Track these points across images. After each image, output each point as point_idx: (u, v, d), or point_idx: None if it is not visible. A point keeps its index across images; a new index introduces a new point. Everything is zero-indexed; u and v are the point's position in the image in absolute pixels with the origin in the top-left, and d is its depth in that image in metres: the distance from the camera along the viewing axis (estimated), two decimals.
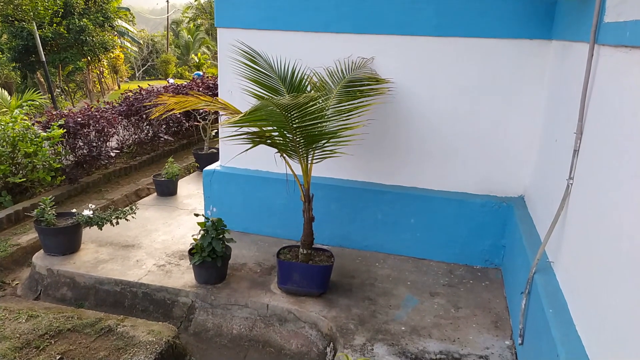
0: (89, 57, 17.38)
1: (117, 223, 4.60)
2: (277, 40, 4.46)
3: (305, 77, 4.08)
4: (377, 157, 4.57)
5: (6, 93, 11.96)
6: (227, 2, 4.60)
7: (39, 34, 13.35)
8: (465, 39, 4.11)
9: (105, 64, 20.97)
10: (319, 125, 3.50)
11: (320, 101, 3.57)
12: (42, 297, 4.25)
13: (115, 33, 19.33)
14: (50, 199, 4.56)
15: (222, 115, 4.41)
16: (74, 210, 4.72)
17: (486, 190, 4.41)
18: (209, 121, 7.57)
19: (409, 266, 4.45)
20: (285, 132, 3.45)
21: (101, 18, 16.62)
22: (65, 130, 6.16)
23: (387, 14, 4.20)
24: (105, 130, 6.92)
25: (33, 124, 6.14)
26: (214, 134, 7.80)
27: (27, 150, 5.61)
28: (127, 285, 4.10)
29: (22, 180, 5.66)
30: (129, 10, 23.25)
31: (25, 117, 6.15)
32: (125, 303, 4.07)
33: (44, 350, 3.16)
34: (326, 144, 3.67)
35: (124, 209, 4.68)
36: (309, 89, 4.11)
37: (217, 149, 6.36)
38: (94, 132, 6.77)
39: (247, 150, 3.57)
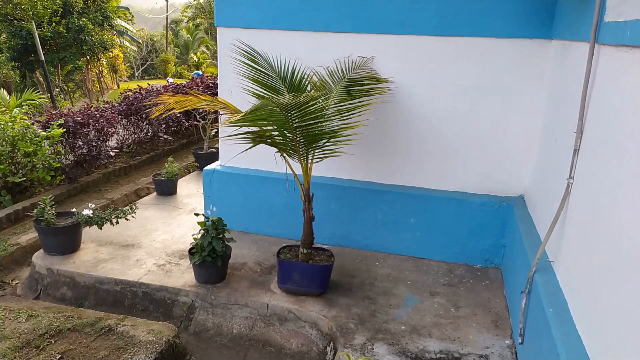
0: (88, 57, 17.36)
1: (117, 222, 4.60)
2: (277, 40, 4.46)
3: (306, 77, 4.08)
4: (377, 156, 4.57)
5: (5, 92, 11.96)
6: (227, 1, 4.60)
7: (38, 33, 13.34)
8: (465, 38, 4.11)
9: (104, 63, 20.94)
10: (319, 124, 3.50)
11: (321, 100, 3.57)
12: (42, 296, 4.24)
13: (115, 32, 19.31)
14: (50, 198, 4.56)
15: (222, 114, 4.41)
16: (73, 209, 4.71)
17: (486, 190, 4.42)
18: (208, 120, 7.57)
19: (409, 266, 4.45)
20: (285, 131, 3.45)
21: (100, 17, 16.60)
22: (64, 129, 6.15)
23: (387, 14, 4.20)
24: (105, 129, 6.92)
25: (32, 124, 6.13)
26: (213, 133, 7.80)
27: (27, 149, 5.61)
28: (127, 285, 4.10)
29: (22, 179, 5.65)
30: (128, 10, 23.21)
31: (24, 117, 6.14)
32: (125, 302, 4.07)
33: (44, 349, 3.16)
34: (326, 144, 3.68)
35: (124, 209, 4.68)
36: (309, 88, 4.11)
37: (217, 149, 6.36)
38: (93, 132, 6.77)
39: (247, 149, 3.57)
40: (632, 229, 1.88)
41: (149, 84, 9.11)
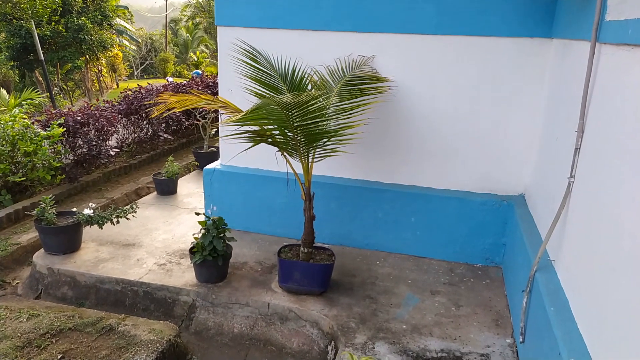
0: (87, 56, 17.34)
1: (118, 222, 4.60)
2: (278, 39, 4.46)
3: (306, 76, 4.08)
4: (377, 155, 4.57)
5: (4, 92, 11.95)
6: (227, 0, 4.59)
7: (37, 33, 13.32)
8: (465, 37, 4.11)
9: (103, 62, 20.92)
10: (320, 123, 3.50)
11: (321, 100, 3.57)
12: (42, 296, 4.24)
13: (114, 31, 19.29)
14: (50, 197, 4.56)
15: (222, 114, 4.41)
16: (74, 209, 4.71)
17: (486, 189, 4.42)
18: (208, 120, 7.56)
19: (409, 265, 4.46)
20: (286, 130, 3.45)
21: (99, 16, 16.57)
22: (64, 129, 6.15)
23: (387, 13, 4.20)
24: (105, 129, 6.91)
25: (32, 123, 6.13)
26: (213, 132, 7.79)
27: (27, 149, 5.60)
28: (128, 284, 4.10)
29: (22, 179, 5.65)
30: (128, 9, 23.18)
31: (24, 116, 6.14)
32: (126, 302, 4.07)
33: (45, 349, 3.16)
34: (327, 143, 3.68)
35: (125, 208, 4.68)
36: (309, 87, 4.11)
37: (217, 148, 6.37)
38: (93, 131, 6.77)
39: (248, 149, 3.57)
40: (633, 227, 1.88)
41: (148, 83, 9.11)
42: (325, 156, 3.79)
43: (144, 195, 6.50)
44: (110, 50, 19.04)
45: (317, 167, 4.00)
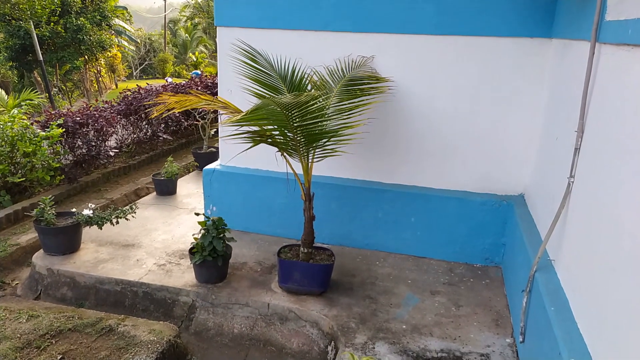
0: (86, 56, 17.31)
1: (117, 222, 4.59)
2: (277, 39, 4.46)
3: (306, 76, 4.08)
4: (377, 155, 4.57)
5: (3, 92, 11.93)
6: (226, 1, 4.59)
7: (36, 33, 13.30)
8: (465, 37, 4.11)
9: (102, 63, 20.89)
10: (320, 124, 3.50)
11: (321, 100, 3.57)
12: (42, 297, 4.24)
13: (113, 32, 19.26)
14: (49, 198, 4.55)
15: (222, 114, 4.41)
16: (73, 209, 4.71)
17: (486, 189, 4.42)
18: (208, 120, 7.56)
19: (409, 265, 4.46)
20: (286, 131, 3.45)
21: (98, 17, 16.54)
22: (63, 129, 6.14)
23: (387, 13, 4.20)
24: (104, 129, 6.91)
25: (31, 124, 6.12)
26: (213, 133, 7.79)
27: (26, 149, 5.59)
28: (128, 285, 4.09)
29: (21, 179, 5.64)
30: (126, 9, 23.15)
31: (23, 117, 6.13)
32: (125, 303, 4.07)
33: (45, 350, 3.16)
34: (327, 143, 3.68)
35: (124, 208, 4.68)
36: (309, 87, 4.11)
37: (216, 148, 6.36)
38: (92, 132, 6.76)
39: (247, 149, 3.57)
40: (633, 227, 1.88)
41: (147, 84, 9.10)
42: (325, 156, 3.79)
43: (144, 196, 6.49)
44: (109, 51, 19.01)
45: (317, 167, 4.00)
